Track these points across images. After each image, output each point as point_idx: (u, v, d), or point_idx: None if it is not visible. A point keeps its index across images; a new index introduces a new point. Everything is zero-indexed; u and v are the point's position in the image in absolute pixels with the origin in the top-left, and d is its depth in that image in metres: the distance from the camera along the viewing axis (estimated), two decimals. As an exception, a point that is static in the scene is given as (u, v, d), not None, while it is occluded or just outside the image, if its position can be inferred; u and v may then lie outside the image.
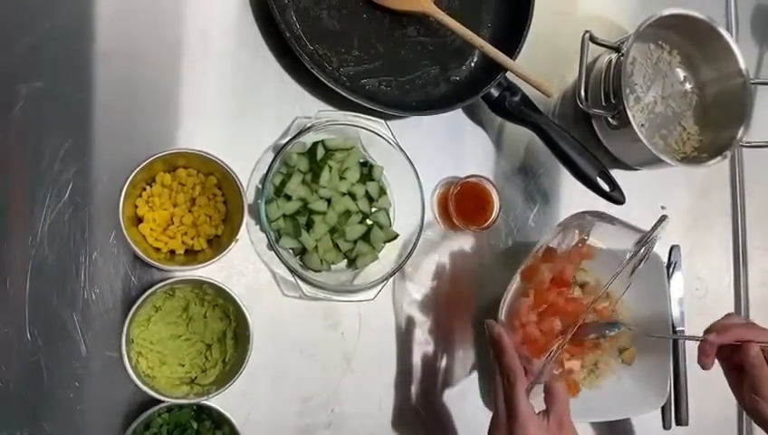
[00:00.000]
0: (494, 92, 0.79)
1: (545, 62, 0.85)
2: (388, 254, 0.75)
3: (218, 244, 0.69)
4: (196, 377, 0.69)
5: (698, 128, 0.90)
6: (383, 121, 0.74)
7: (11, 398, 0.64)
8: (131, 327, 0.65)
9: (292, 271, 0.69)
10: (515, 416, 0.62)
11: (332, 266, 0.75)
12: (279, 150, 0.70)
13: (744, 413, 0.93)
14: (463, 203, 0.78)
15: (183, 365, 0.68)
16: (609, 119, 0.83)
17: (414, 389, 0.79)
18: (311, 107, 0.75)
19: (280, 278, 0.73)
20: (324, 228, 0.72)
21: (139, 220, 0.68)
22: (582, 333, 0.78)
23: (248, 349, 0.66)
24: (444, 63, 0.82)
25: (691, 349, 0.88)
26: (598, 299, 0.64)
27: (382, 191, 0.77)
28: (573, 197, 0.86)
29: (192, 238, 0.69)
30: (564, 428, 0.64)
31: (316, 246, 0.72)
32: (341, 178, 0.74)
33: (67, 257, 0.66)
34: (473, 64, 0.83)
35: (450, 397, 0.80)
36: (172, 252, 0.69)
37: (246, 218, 0.67)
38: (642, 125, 0.88)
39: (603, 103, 0.83)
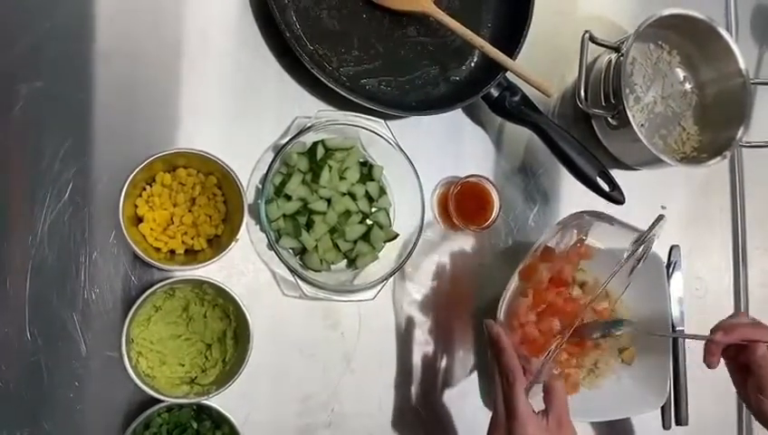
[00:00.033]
0: (494, 92, 0.79)
1: (545, 62, 0.85)
2: (388, 254, 0.75)
3: (218, 244, 0.69)
4: (196, 377, 0.69)
5: (698, 128, 0.90)
6: (383, 121, 0.74)
7: (11, 397, 0.64)
8: (131, 327, 0.65)
9: (292, 271, 0.70)
10: (514, 416, 0.62)
11: (332, 266, 0.75)
12: (279, 150, 0.71)
13: (744, 413, 0.94)
14: (463, 203, 0.78)
15: (183, 365, 0.68)
16: (609, 119, 0.83)
17: (414, 389, 0.79)
18: (310, 107, 0.75)
19: (280, 278, 0.73)
20: (324, 228, 0.72)
21: (139, 220, 0.68)
22: (587, 332, 0.78)
23: (248, 349, 0.66)
24: (444, 63, 0.82)
25: (691, 349, 0.88)
26: (596, 298, 0.64)
27: (382, 191, 0.77)
28: (573, 196, 0.86)
29: (192, 238, 0.69)
30: (563, 427, 0.64)
31: (316, 246, 0.72)
32: (341, 177, 0.74)
33: (67, 257, 0.66)
34: (473, 64, 0.83)
35: (450, 397, 0.80)
36: (172, 252, 0.69)
37: (246, 218, 0.68)
38: (642, 125, 0.88)
39: (603, 103, 0.83)
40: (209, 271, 0.68)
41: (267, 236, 0.69)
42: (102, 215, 0.67)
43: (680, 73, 0.92)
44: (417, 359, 0.79)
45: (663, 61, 0.91)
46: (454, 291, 0.81)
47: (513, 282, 0.74)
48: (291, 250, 0.73)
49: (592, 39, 0.80)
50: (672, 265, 0.90)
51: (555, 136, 0.78)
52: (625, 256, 0.64)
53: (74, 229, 0.67)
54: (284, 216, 0.72)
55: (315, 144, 0.73)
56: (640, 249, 0.65)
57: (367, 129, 0.73)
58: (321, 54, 0.77)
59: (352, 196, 0.74)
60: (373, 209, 0.76)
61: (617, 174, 0.80)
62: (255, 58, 0.75)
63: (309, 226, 0.72)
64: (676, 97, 0.91)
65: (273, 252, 0.70)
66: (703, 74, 0.91)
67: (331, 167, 0.73)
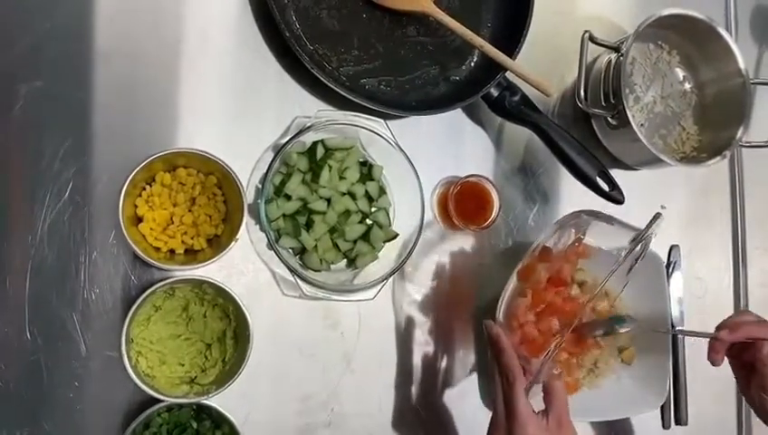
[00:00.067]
0: (494, 92, 0.79)
1: (545, 62, 0.85)
2: (388, 253, 0.75)
3: (218, 243, 0.69)
4: (195, 376, 0.69)
5: (698, 128, 0.91)
6: (383, 121, 0.74)
7: (11, 397, 0.64)
8: (131, 327, 0.65)
9: (292, 270, 0.70)
10: (514, 416, 0.62)
11: (332, 266, 0.75)
12: (279, 150, 0.71)
13: (744, 413, 0.94)
14: (463, 203, 0.78)
15: (183, 365, 0.68)
16: (609, 118, 0.83)
17: (414, 388, 0.79)
18: (310, 106, 0.75)
19: (280, 278, 0.73)
20: (324, 228, 0.72)
21: (139, 220, 0.68)
22: (590, 331, 0.78)
23: (248, 348, 0.66)
24: (443, 63, 0.82)
25: (690, 349, 0.88)
26: (594, 297, 0.64)
27: (382, 191, 0.77)
28: (573, 196, 0.86)
29: (192, 238, 0.69)
30: (563, 427, 0.64)
31: (316, 246, 0.72)
32: (341, 177, 0.74)
33: (67, 257, 0.66)
34: (472, 64, 0.83)
35: (450, 397, 0.80)
36: (172, 251, 0.69)
37: (246, 218, 0.68)
38: (642, 125, 0.88)
39: (603, 103, 0.83)
40: (209, 271, 0.68)
41: (267, 235, 0.69)
42: (102, 214, 0.67)
43: (680, 73, 0.92)
44: (416, 359, 0.79)
45: (663, 61, 0.91)
46: (453, 291, 0.81)
47: (512, 282, 0.74)
48: (290, 250, 0.73)
49: (592, 39, 0.80)
50: (672, 265, 0.90)
51: (555, 136, 0.78)
52: (622, 254, 0.64)
53: (74, 229, 0.67)
54: (284, 215, 0.72)
55: (315, 144, 0.73)
56: (638, 248, 0.65)
57: (367, 128, 0.73)
58: (321, 54, 0.77)
59: (352, 195, 0.74)
60: (373, 209, 0.76)
61: (616, 174, 0.80)
62: (255, 58, 0.75)
63: (309, 225, 0.72)
64: (676, 97, 0.91)
65: (272, 252, 0.70)
66: (702, 74, 0.91)
67: (330, 166, 0.73)
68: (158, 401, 0.65)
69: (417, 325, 0.79)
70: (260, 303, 0.72)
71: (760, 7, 1.01)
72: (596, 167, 0.78)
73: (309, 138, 0.72)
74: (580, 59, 0.80)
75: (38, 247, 0.66)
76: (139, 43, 0.71)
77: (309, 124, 0.71)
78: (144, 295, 0.64)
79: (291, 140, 0.71)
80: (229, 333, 0.69)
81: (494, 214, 0.79)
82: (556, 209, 0.87)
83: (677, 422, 0.88)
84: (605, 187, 0.78)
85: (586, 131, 0.88)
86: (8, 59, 0.67)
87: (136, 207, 0.68)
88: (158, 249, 0.68)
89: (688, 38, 0.89)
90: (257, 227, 0.72)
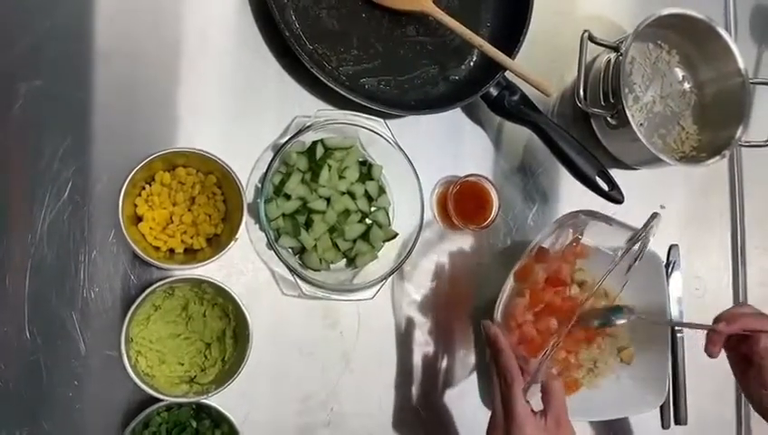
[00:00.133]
0: (493, 92, 0.79)
1: (544, 62, 0.85)
2: (388, 253, 0.75)
3: (218, 243, 0.70)
4: (195, 376, 0.69)
5: (697, 127, 0.91)
6: (382, 121, 0.74)
7: (10, 397, 0.64)
8: (131, 326, 0.65)
9: (292, 270, 0.70)
10: (512, 416, 0.62)
11: (331, 265, 0.75)
12: (278, 149, 0.71)
13: (743, 412, 0.94)
14: (462, 202, 0.78)
15: (182, 364, 0.68)
16: (608, 118, 0.83)
17: (413, 388, 0.79)
18: (310, 106, 0.75)
19: (279, 277, 0.73)
20: (323, 227, 0.72)
21: (139, 219, 0.68)
22: (587, 320, 0.77)
23: (247, 348, 0.66)
24: (443, 63, 0.82)
25: (690, 348, 0.88)
26: (591, 296, 0.64)
27: (381, 190, 0.77)
28: (572, 196, 0.86)
29: (191, 237, 0.69)
30: (562, 427, 0.64)
31: (315, 245, 0.72)
32: (341, 177, 0.74)
33: (66, 256, 0.67)
34: (472, 64, 0.83)
35: (450, 397, 0.80)
36: (171, 251, 0.69)
37: (246, 217, 0.68)
38: (641, 124, 0.88)
39: (602, 103, 0.83)
40: (208, 270, 0.68)
41: (266, 235, 0.69)
42: (102, 214, 0.67)
43: (679, 73, 0.92)
44: (416, 358, 0.79)
45: (662, 60, 0.91)
46: (453, 290, 0.81)
47: (509, 283, 0.74)
48: (290, 249, 0.73)
49: (591, 38, 0.80)
50: (671, 265, 0.90)
51: (554, 135, 0.78)
52: (619, 253, 0.64)
53: (74, 228, 0.67)
54: (284, 215, 0.72)
55: (315, 143, 0.73)
56: (636, 247, 0.65)
57: (366, 128, 0.73)
58: (321, 54, 0.77)
59: (352, 195, 0.74)
60: (372, 209, 0.76)
61: (616, 173, 0.80)
62: (255, 58, 0.75)
63: (308, 225, 0.72)
64: (675, 96, 0.91)
65: (272, 251, 0.70)
66: (702, 74, 0.91)
67: (330, 166, 0.73)
68: (158, 400, 0.65)
69: (417, 325, 0.80)
70: (259, 302, 0.72)
71: (759, 7, 1.01)
72: (595, 166, 0.78)
73: (308, 137, 0.73)
74: (579, 58, 0.80)
75: (38, 246, 0.66)
76: (139, 42, 0.71)
77: (308, 124, 0.71)
78: (144, 295, 0.64)
79: (290, 139, 0.71)
80: (229, 332, 0.69)
81: (493, 213, 0.79)
82: (555, 209, 0.87)
83: (677, 422, 0.88)
84: (604, 186, 0.78)
85: (585, 131, 0.88)
86: (8, 58, 0.67)
87: (135, 206, 0.68)
88: (157, 248, 0.68)
89: (688, 38, 0.89)
90: (257, 226, 0.72)
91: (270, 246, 0.70)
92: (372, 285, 0.72)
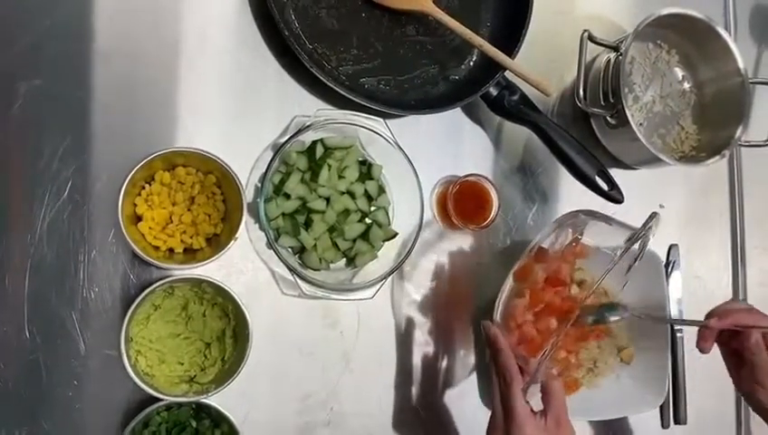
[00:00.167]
0: (493, 91, 0.79)
1: (544, 62, 0.85)
2: (387, 253, 0.75)
3: (217, 242, 0.70)
4: (195, 375, 0.69)
5: (697, 127, 0.91)
6: (382, 120, 0.74)
7: (10, 396, 0.64)
8: (130, 326, 0.65)
9: (291, 270, 0.70)
10: (512, 416, 0.62)
11: (331, 265, 0.75)
12: (278, 149, 0.71)
13: (742, 412, 0.94)
14: (462, 202, 0.78)
15: (182, 364, 0.68)
16: (608, 118, 0.83)
17: (413, 388, 0.79)
18: (310, 106, 0.75)
19: (279, 277, 0.73)
20: (323, 227, 0.72)
21: (138, 219, 0.68)
22: (580, 318, 0.77)
23: (247, 347, 0.66)
24: (443, 62, 0.82)
25: (690, 347, 0.88)
26: (590, 295, 0.64)
27: (381, 190, 0.77)
28: (572, 196, 0.86)
29: (191, 237, 0.69)
30: (562, 427, 0.64)
31: (315, 245, 0.72)
32: (340, 176, 0.74)
33: (66, 256, 0.66)
34: (472, 63, 0.83)
35: (450, 397, 0.80)
36: (171, 250, 0.69)
37: (245, 217, 0.68)
38: (641, 124, 0.88)
39: (602, 102, 0.83)
40: (208, 270, 0.68)
41: (266, 234, 0.69)
42: (101, 213, 0.67)
43: (679, 73, 0.92)
44: (416, 358, 0.79)
45: (662, 60, 0.91)
46: (452, 290, 0.81)
47: (508, 283, 0.74)
48: (290, 249, 0.73)
49: (591, 38, 0.81)
50: (671, 265, 0.90)
51: (554, 135, 0.78)
52: (618, 253, 0.64)
53: (73, 228, 0.67)
54: (283, 214, 0.72)
55: (314, 143, 0.73)
56: (636, 247, 0.65)
57: (366, 128, 0.73)
58: (321, 53, 0.77)
59: (351, 195, 0.74)
60: (372, 208, 0.76)
61: (616, 173, 0.80)
62: (255, 57, 0.75)
63: (308, 224, 0.72)
64: (675, 96, 0.91)
65: (272, 251, 0.70)
66: (701, 73, 0.91)
67: (330, 166, 0.73)
68: (158, 399, 0.65)
69: (417, 325, 0.80)
70: (259, 302, 0.72)
71: (759, 7, 1.02)
72: (595, 166, 0.78)
73: (308, 137, 0.73)
74: (579, 58, 0.80)
75: (37, 246, 0.66)
76: (139, 42, 0.71)
77: (308, 123, 0.71)
78: (143, 294, 0.64)
79: (290, 139, 0.71)
80: (228, 331, 0.69)
81: (493, 213, 0.79)
82: (555, 209, 0.87)
83: (676, 422, 0.88)
84: (604, 186, 0.78)
85: (585, 131, 0.88)
86: (8, 57, 0.67)
87: (135, 205, 0.68)
88: (157, 248, 0.68)
89: (687, 37, 0.89)
90: (256, 225, 0.72)
91: (269, 245, 0.70)
92: (372, 284, 0.72)
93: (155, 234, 0.68)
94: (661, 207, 0.92)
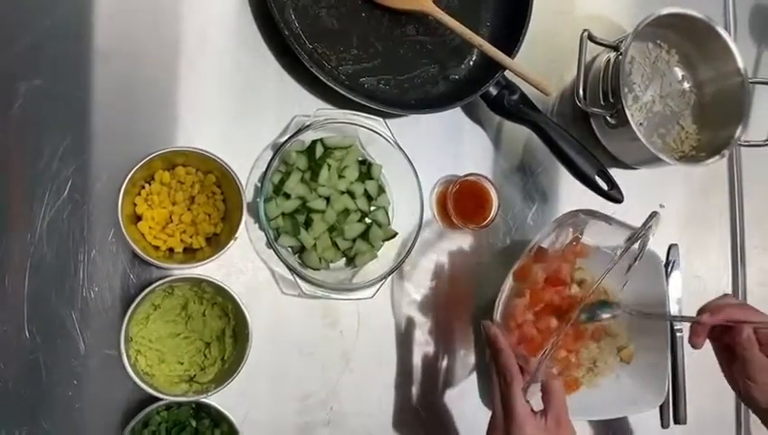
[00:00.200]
0: (493, 91, 0.79)
1: (544, 61, 0.85)
2: (387, 252, 0.75)
3: (217, 242, 0.70)
4: (194, 375, 0.69)
5: (696, 127, 0.91)
6: (382, 120, 0.74)
7: (9, 396, 0.64)
8: (130, 325, 0.65)
9: (291, 269, 0.70)
10: (512, 416, 0.62)
11: (331, 265, 0.75)
12: (278, 149, 0.71)
13: (742, 412, 0.94)
14: (461, 202, 0.78)
15: (182, 363, 0.68)
16: (608, 117, 0.83)
17: (413, 388, 0.79)
18: (309, 105, 0.75)
19: (279, 276, 0.73)
20: (323, 227, 0.72)
21: (138, 218, 0.68)
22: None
23: (247, 347, 0.66)
24: (443, 62, 0.82)
25: (690, 348, 0.88)
26: (590, 294, 0.64)
27: (381, 190, 0.77)
28: (572, 195, 0.86)
29: (191, 236, 0.69)
30: (562, 426, 0.64)
31: (315, 245, 0.72)
32: (340, 176, 0.74)
33: (66, 255, 0.66)
34: (471, 63, 0.83)
35: (450, 396, 0.80)
36: (171, 250, 0.69)
37: (245, 217, 0.68)
38: (640, 124, 0.88)
39: (602, 102, 0.83)
40: (208, 269, 0.68)
41: (266, 234, 0.69)
42: (101, 213, 0.67)
43: (679, 72, 0.92)
44: (416, 358, 0.79)
45: (661, 60, 0.91)
46: (452, 290, 0.81)
47: (508, 282, 0.74)
48: (289, 248, 0.73)
49: (591, 38, 0.81)
50: (671, 265, 0.90)
51: (554, 135, 0.78)
52: (618, 252, 0.64)
53: (73, 227, 0.67)
54: (283, 214, 0.72)
55: (314, 143, 0.73)
56: (636, 246, 0.65)
57: (366, 127, 0.73)
58: (320, 53, 0.77)
59: (351, 194, 0.74)
60: (372, 208, 0.76)
61: (615, 173, 0.80)
62: (254, 57, 0.75)
63: (308, 224, 0.72)
64: (675, 96, 0.91)
65: (271, 250, 0.70)
66: (701, 73, 0.91)
67: (329, 165, 0.73)
68: (157, 399, 0.65)
69: (417, 324, 0.79)
70: (259, 301, 0.72)
71: (759, 6, 1.02)
72: (595, 166, 0.78)
73: (308, 136, 0.73)
74: (579, 58, 0.80)
75: (37, 245, 0.66)
76: (139, 42, 0.71)
77: (308, 123, 0.71)
78: (143, 294, 0.64)
79: (290, 138, 0.71)
80: (228, 331, 0.69)
81: (492, 213, 0.79)
82: (555, 208, 0.87)
83: (676, 421, 0.88)
84: (604, 186, 0.78)
85: (585, 130, 0.88)
86: (8, 57, 0.67)
87: (135, 205, 0.68)
88: (156, 248, 0.68)
89: (687, 37, 0.89)
90: (256, 225, 0.72)
91: (269, 245, 0.70)
92: (372, 284, 0.72)
93: (155, 233, 0.68)
94: (661, 206, 0.92)
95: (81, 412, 0.66)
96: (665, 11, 0.83)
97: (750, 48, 1.00)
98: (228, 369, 0.67)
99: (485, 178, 0.79)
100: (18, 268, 0.65)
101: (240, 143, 0.73)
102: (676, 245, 0.91)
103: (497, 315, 0.73)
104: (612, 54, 0.83)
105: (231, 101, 0.74)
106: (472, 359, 0.82)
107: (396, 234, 0.76)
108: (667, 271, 0.89)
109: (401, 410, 0.78)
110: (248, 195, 0.71)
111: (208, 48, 0.73)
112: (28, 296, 0.65)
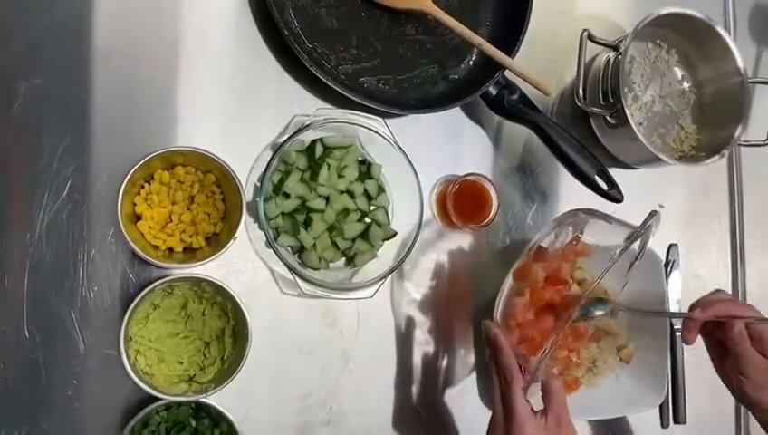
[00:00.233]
0: (493, 91, 0.79)
1: (544, 61, 0.85)
2: (387, 252, 0.75)
3: (217, 241, 0.69)
4: (194, 375, 0.69)
5: (696, 126, 0.91)
6: (382, 120, 0.74)
7: (9, 396, 0.64)
8: (130, 325, 0.65)
9: (291, 269, 0.70)
10: (512, 416, 0.62)
11: (331, 264, 0.75)
12: (278, 148, 0.71)
13: (742, 412, 0.94)
14: (461, 201, 0.78)
15: (181, 363, 0.68)
16: (608, 117, 0.83)
17: (413, 387, 0.79)
18: (309, 105, 0.75)
19: (278, 276, 0.73)
20: (323, 226, 0.72)
21: (138, 218, 0.68)
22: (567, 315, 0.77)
23: (247, 347, 0.66)
24: (442, 62, 0.82)
25: (689, 347, 0.87)
26: (589, 293, 0.64)
27: (381, 189, 0.77)
28: (571, 195, 0.86)
29: (190, 236, 0.69)
30: (562, 426, 0.64)
31: (314, 244, 0.72)
32: (340, 176, 0.74)
33: (65, 255, 0.66)
34: (471, 63, 0.83)
35: (450, 396, 0.80)
36: (170, 250, 0.69)
37: (245, 216, 0.68)
38: (640, 124, 0.88)
39: (601, 102, 0.83)
40: (208, 269, 0.68)
41: (266, 234, 0.69)
42: (101, 213, 0.67)
43: (678, 72, 0.92)
44: (415, 357, 0.79)
45: (661, 59, 0.91)
46: (452, 289, 0.81)
47: (508, 282, 0.74)
48: (289, 248, 0.73)
49: (591, 38, 0.81)
50: (670, 264, 0.90)
51: (554, 134, 0.78)
52: (617, 251, 0.64)
53: (73, 227, 0.67)
54: (283, 214, 0.72)
55: (314, 142, 0.73)
56: (635, 245, 0.65)
57: (365, 127, 0.73)
58: (320, 53, 0.77)
59: (351, 194, 0.74)
60: (372, 207, 0.76)
61: (615, 173, 0.80)
62: (254, 57, 0.75)
63: (307, 224, 0.72)
64: (675, 96, 0.91)
65: (271, 250, 0.70)
66: (701, 73, 0.91)
67: (329, 165, 0.73)
68: (157, 399, 0.65)
69: (416, 324, 0.79)
70: (258, 301, 0.72)
71: (758, 6, 1.02)
72: (595, 165, 0.78)
73: (308, 136, 0.73)
74: (578, 58, 0.80)
75: (37, 245, 0.66)
76: (138, 41, 0.71)
77: (308, 123, 0.71)
78: (143, 293, 0.64)
79: (290, 138, 0.71)
80: (228, 331, 0.69)
81: (492, 212, 0.79)
82: (555, 208, 0.87)
83: (676, 421, 0.88)
84: (604, 185, 0.78)
85: (585, 130, 0.88)
86: (7, 57, 0.67)
87: (134, 205, 0.68)
88: (156, 247, 0.68)
89: (687, 37, 0.89)
90: (256, 225, 0.72)
91: (269, 244, 0.70)
92: (372, 283, 0.72)
93: (154, 233, 0.68)
94: (661, 206, 0.92)
95: (80, 412, 0.66)
96: (664, 11, 0.83)
97: (750, 48, 1.00)
98: (228, 368, 0.67)
99: (485, 177, 0.79)
100: (18, 268, 0.65)
101: (239, 143, 0.73)
102: (675, 244, 0.91)
103: (497, 315, 0.73)
104: (612, 54, 0.83)
105: (231, 100, 0.74)
106: (472, 358, 0.82)
107: (395, 233, 0.76)
108: (666, 271, 0.89)
109: (401, 409, 0.78)
110: (248, 194, 0.71)
111: (208, 48, 0.73)
112: (28, 296, 0.65)
